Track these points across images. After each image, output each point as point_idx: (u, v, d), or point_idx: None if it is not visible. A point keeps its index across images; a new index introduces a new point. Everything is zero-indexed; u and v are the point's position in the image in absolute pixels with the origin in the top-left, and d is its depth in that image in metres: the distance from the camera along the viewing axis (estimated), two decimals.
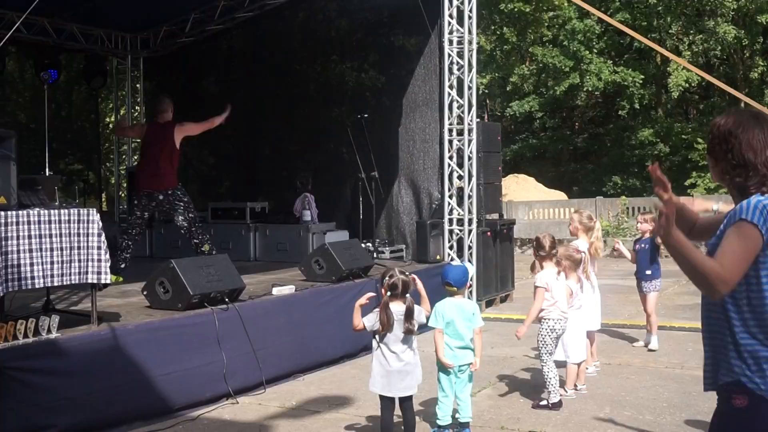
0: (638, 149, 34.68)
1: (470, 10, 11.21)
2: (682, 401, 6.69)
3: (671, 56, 21.24)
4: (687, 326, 9.53)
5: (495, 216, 12.63)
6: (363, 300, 5.45)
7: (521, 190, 26.10)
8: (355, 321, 5.46)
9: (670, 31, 32.21)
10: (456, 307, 5.85)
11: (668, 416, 6.31)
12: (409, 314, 5.36)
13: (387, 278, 5.46)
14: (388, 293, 5.40)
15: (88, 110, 13.64)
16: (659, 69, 34.17)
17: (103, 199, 20.25)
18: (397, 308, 5.35)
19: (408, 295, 5.48)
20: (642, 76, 33.67)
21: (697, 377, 7.36)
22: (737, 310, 2.84)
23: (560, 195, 28.67)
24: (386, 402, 5.39)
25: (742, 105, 31.65)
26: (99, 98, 14.50)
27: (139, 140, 9.53)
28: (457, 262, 8.77)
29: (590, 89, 34.32)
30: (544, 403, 6.53)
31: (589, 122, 39.76)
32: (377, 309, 5.43)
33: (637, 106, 34.64)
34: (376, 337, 5.42)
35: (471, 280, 6.29)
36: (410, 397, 5.44)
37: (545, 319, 6.56)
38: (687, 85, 32.67)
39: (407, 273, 5.58)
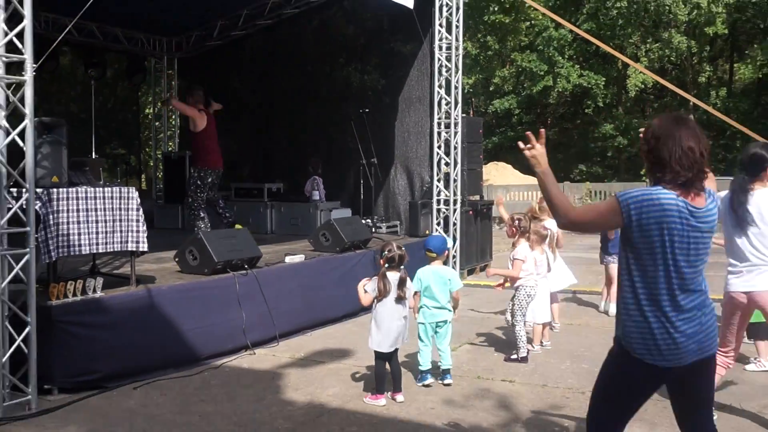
0: (601, 142, 34.65)
1: (457, 21, 11.19)
2: None
3: (630, 62, 21.22)
4: None
5: (476, 197, 12.65)
6: (361, 289, 5.54)
7: (500, 176, 26.12)
8: (363, 300, 5.55)
9: (630, 39, 32.05)
10: (433, 273, 5.88)
11: None
12: (402, 283, 5.49)
13: (386, 252, 5.52)
14: (386, 264, 5.48)
15: (130, 103, 13.58)
16: (620, 72, 34.00)
17: (143, 180, 20.30)
18: (393, 277, 5.45)
19: (403, 267, 5.56)
20: (604, 79, 33.57)
21: None
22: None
23: (532, 180, 28.68)
24: (381, 356, 5.44)
25: (691, 105, 31.64)
26: (139, 92, 14.50)
27: (191, 122, 9.38)
28: (437, 233, 8.75)
29: (561, 90, 34.22)
30: (514, 357, 6.56)
31: (559, 118, 39.62)
32: (376, 277, 5.51)
33: (600, 104, 34.52)
34: (375, 301, 5.48)
35: (452, 250, 6.28)
36: (396, 351, 5.51)
37: (522, 286, 6.58)
38: (643, 86, 32.58)
39: (402, 247, 5.63)
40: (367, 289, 5.50)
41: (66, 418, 5.12)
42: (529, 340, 6.93)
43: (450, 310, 5.90)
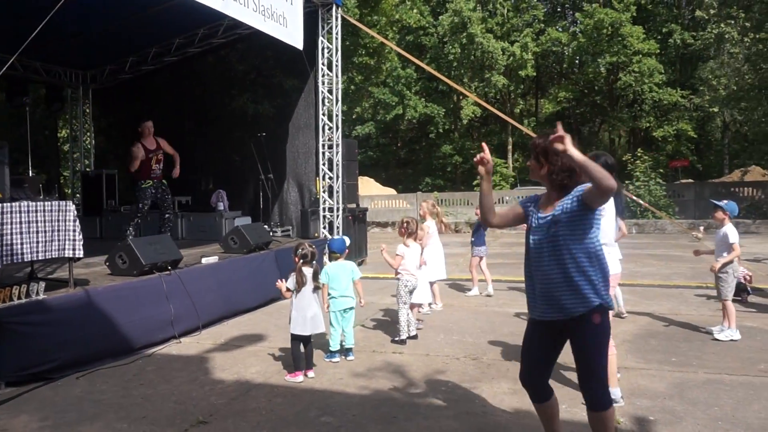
0: (442, 159, 35.90)
1: (337, 61, 11.27)
2: (489, 328, 7.03)
3: (467, 93, 21.99)
4: (496, 279, 9.97)
5: (353, 205, 12.75)
6: (282, 286, 5.44)
7: (365, 188, 26.39)
8: (284, 293, 5.45)
9: (463, 79, 33.37)
10: (338, 267, 5.90)
11: (482, 337, 6.61)
12: (315, 275, 5.46)
13: (300, 250, 5.45)
14: (301, 260, 5.42)
15: (49, 128, 12.60)
16: (455, 105, 35.39)
17: (56, 195, 18.88)
18: (307, 271, 5.40)
19: (314, 262, 5.51)
20: (444, 110, 34.84)
21: (497, 312, 7.84)
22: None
23: (391, 191, 29.21)
24: (297, 339, 5.36)
25: (509, 129, 33.30)
26: (57, 119, 13.52)
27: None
28: (338, 236, 8.74)
29: (409, 118, 35.14)
30: (396, 339, 6.47)
31: (408, 141, 40.64)
32: (294, 273, 5.43)
33: (441, 129, 35.80)
34: (294, 293, 5.40)
35: (348, 248, 6.26)
36: (310, 336, 5.44)
37: (401, 278, 6.57)
38: (473, 116, 34.09)
39: (313, 245, 5.59)
40: (287, 284, 5.41)
41: (17, 408, 4.71)
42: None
43: (353, 297, 5.92)
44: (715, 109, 29.23)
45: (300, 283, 5.34)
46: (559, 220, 3.22)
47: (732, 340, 6.20)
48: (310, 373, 5.39)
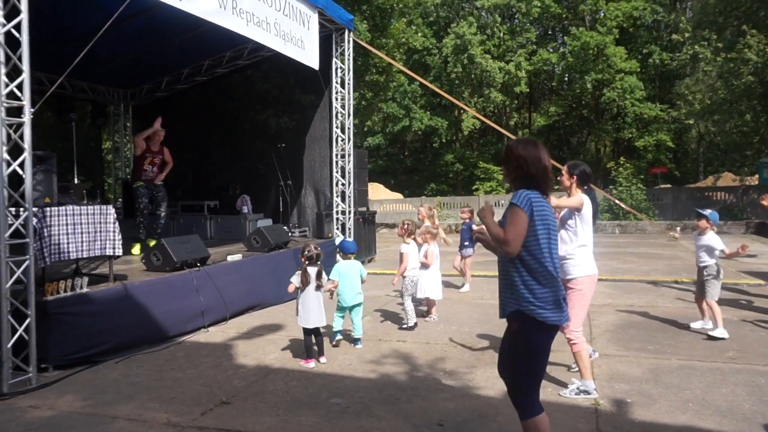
0: (444, 167, 35.79)
1: (349, 79, 11.27)
2: (484, 319, 7.01)
3: (466, 108, 21.96)
4: (481, 275, 9.96)
5: (364, 209, 12.73)
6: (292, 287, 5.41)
7: (375, 193, 26.37)
8: (289, 288, 5.43)
9: (463, 95, 33.29)
10: (349, 266, 5.90)
11: (477, 327, 6.61)
12: (319, 275, 5.39)
13: (306, 251, 5.42)
14: (306, 261, 5.39)
15: (94, 140, 12.65)
16: (456, 118, 35.30)
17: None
18: (312, 271, 5.35)
19: (319, 262, 5.47)
20: (446, 122, 34.75)
21: (491, 304, 7.80)
22: (518, 266, 2.90)
23: (398, 195, 29.19)
24: (308, 331, 5.34)
25: (506, 140, 33.13)
26: (101, 132, 13.63)
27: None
28: (350, 239, 8.73)
29: (415, 129, 35.09)
30: (404, 326, 6.57)
31: (414, 150, 40.59)
32: (299, 271, 5.39)
33: (444, 140, 35.72)
34: (299, 290, 5.38)
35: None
36: (318, 327, 5.39)
37: (407, 274, 6.61)
38: (472, 128, 33.99)
39: (318, 247, 5.56)
40: (292, 280, 5.39)
41: (62, 389, 4.76)
42: (420, 313, 7.00)
43: (361, 293, 5.92)
44: (691, 122, 28.95)
45: (304, 282, 5.30)
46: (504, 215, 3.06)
47: (723, 338, 5.84)
48: (323, 359, 5.40)
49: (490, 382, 4.70)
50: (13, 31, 4.75)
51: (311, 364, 5.28)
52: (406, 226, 6.67)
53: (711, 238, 6.17)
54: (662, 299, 8.08)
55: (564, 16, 36.60)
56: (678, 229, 12.99)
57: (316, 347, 5.40)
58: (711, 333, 5.95)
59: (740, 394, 4.38)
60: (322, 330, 5.49)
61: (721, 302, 6.29)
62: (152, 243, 8.05)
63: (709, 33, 22.99)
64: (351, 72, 11.32)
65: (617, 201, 17.83)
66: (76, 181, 7.08)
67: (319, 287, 5.38)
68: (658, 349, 5.63)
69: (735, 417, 3.97)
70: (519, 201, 2.85)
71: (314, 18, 9.77)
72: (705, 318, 6.28)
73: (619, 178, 22.30)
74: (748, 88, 21.21)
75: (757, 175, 23.88)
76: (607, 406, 4.20)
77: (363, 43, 12.95)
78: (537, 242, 2.88)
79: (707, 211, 6.32)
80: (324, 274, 5.51)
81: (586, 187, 4.69)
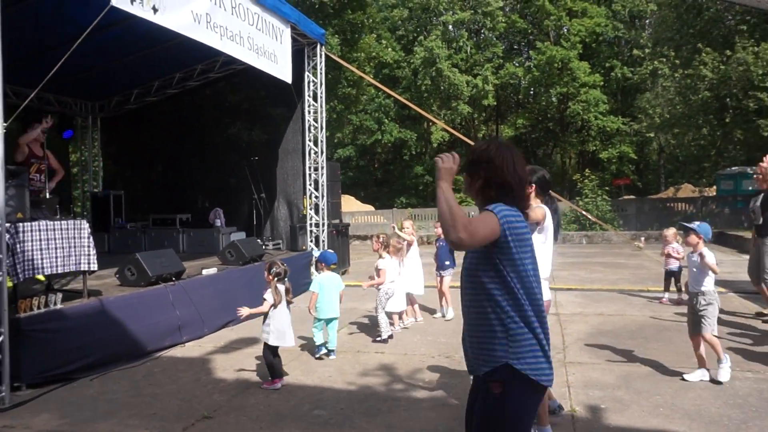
0: (414, 179, 36.03)
1: (321, 93, 11.34)
2: (460, 329, 7.08)
3: (435, 121, 22.18)
4: (456, 285, 9.98)
5: (337, 221, 12.77)
6: (252, 311, 5.16)
7: (346, 205, 26.16)
8: (261, 309, 5.16)
9: (433, 107, 33.68)
10: (328, 278, 5.92)
11: (453, 338, 6.63)
12: (288, 291, 5.23)
13: (274, 269, 5.18)
14: (275, 278, 5.15)
15: (60, 153, 12.33)
16: (426, 130, 35.71)
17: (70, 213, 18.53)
18: (281, 288, 5.17)
19: (286, 279, 5.25)
20: (416, 134, 35.11)
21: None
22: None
23: (370, 207, 29.25)
24: (272, 349, 5.10)
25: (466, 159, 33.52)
26: (68, 145, 13.38)
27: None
28: (330, 251, 8.71)
29: (386, 141, 35.31)
30: (378, 338, 6.55)
31: (384, 162, 40.78)
32: (269, 289, 5.15)
33: (413, 152, 36.04)
34: (270, 308, 5.13)
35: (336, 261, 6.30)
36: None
37: (381, 286, 6.62)
38: (441, 140, 34.40)
39: (284, 263, 5.33)
40: (266, 297, 5.16)
41: (37, 408, 4.67)
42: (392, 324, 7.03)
43: (337, 307, 5.95)
44: (652, 134, 29.92)
45: (277, 300, 5.10)
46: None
47: (732, 370, 4.97)
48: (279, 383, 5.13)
49: (467, 392, 4.77)
50: None
51: (278, 384, 5.03)
52: (381, 239, 6.72)
53: (708, 255, 4.94)
54: (630, 307, 8.31)
55: (529, 31, 37.49)
56: (642, 239, 13.37)
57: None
58: (719, 377, 4.89)
59: (707, 398, 4.56)
60: (301, 345, 5.46)
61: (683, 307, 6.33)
62: None
63: (667, 50, 23.85)
64: (323, 85, 11.39)
65: (584, 212, 18.25)
66: (48, 195, 6.92)
67: (289, 303, 5.21)
68: (629, 356, 5.80)
69: (703, 420, 4.14)
70: (495, 209, 2.24)
71: (287, 32, 9.83)
72: (706, 365, 5.01)
73: (584, 189, 22.82)
74: (705, 103, 22.04)
75: (714, 186, 24.74)
76: (582, 413, 4.33)
77: (335, 57, 13.06)
78: (524, 271, 2.25)
79: (695, 224, 5.19)
80: (290, 291, 5.29)
81: (546, 197, 4.05)
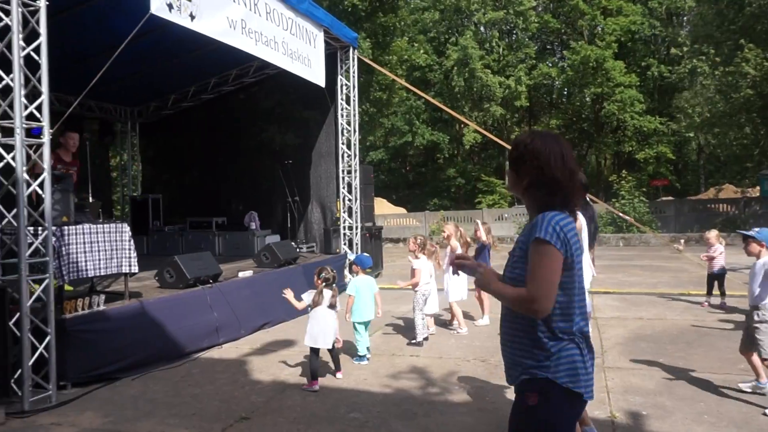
0: (446, 181, 35.86)
1: (354, 96, 11.40)
2: (495, 332, 7.00)
3: (467, 121, 22.07)
4: None
5: (370, 224, 12.79)
6: (289, 296, 5.31)
7: (378, 208, 26.21)
8: (296, 305, 5.33)
9: (465, 109, 33.51)
10: (364, 281, 5.96)
11: (488, 341, 6.57)
12: (334, 296, 5.34)
13: (323, 274, 5.34)
14: (323, 283, 5.30)
15: (100, 157, 12.69)
16: (458, 132, 35.52)
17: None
18: (327, 293, 5.28)
19: (334, 285, 5.41)
20: (448, 137, 34.97)
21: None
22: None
23: (402, 210, 29.25)
24: (314, 351, 5.22)
25: (506, 153, 33.24)
26: (108, 150, 13.76)
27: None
28: (365, 254, 8.73)
29: (417, 144, 35.27)
30: (414, 341, 6.55)
31: (416, 165, 40.73)
32: (312, 291, 5.31)
33: (446, 154, 35.91)
34: (310, 308, 5.29)
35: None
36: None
37: (417, 288, 6.61)
38: (474, 142, 34.17)
39: (334, 270, 5.49)
40: (303, 297, 5.29)
41: (82, 406, 4.80)
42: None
43: (373, 309, 5.96)
44: (691, 134, 29.19)
45: (316, 302, 5.22)
46: (514, 254, 2.22)
47: None
48: (339, 375, 5.41)
49: (506, 396, 4.73)
50: (33, 54, 4.85)
51: (316, 386, 5.09)
52: (419, 240, 6.72)
53: (766, 261, 4.51)
54: (670, 312, 8.11)
55: (563, 30, 36.97)
56: (682, 241, 13.03)
57: (332, 364, 5.42)
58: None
59: (753, 406, 4.41)
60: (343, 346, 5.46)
61: (730, 310, 6.19)
62: None
63: (707, 47, 23.23)
64: (356, 89, 11.45)
65: (621, 214, 17.90)
66: (90, 199, 7.11)
67: (332, 306, 5.30)
68: (670, 361, 5.66)
69: (751, 429, 4.01)
70: (548, 235, 2.02)
71: (320, 36, 9.92)
72: (762, 377, 4.63)
73: (621, 191, 22.38)
74: (747, 102, 21.38)
75: (758, 187, 23.97)
76: (623, 419, 4.24)
77: (367, 60, 13.11)
78: (572, 281, 2.10)
79: (754, 231, 4.75)
80: (336, 296, 5.42)
81: (582, 202, 3.96)
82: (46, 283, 4.82)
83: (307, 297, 5.33)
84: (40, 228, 4.92)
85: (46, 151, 4.88)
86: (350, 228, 11.36)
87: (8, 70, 4.69)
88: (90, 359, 5.29)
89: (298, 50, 9.21)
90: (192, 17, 6.62)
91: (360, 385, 5.19)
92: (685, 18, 34.36)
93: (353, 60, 11.33)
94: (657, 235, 18.80)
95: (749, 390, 4.68)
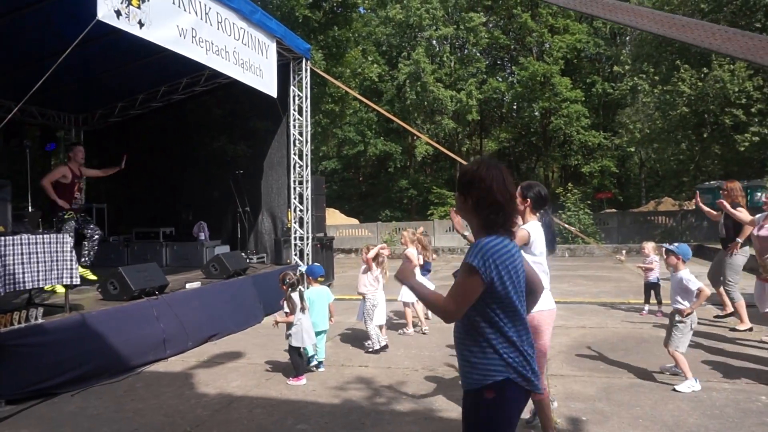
0: (398, 192, 36.18)
1: (307, 107, 11.41)
2: (442, 341, 7.11)
3: (419, 134, 22.30)
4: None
5: (321, 234, 12.78)
6: (280, 319, 5.69)
7: (330, 218, 26.24)
8: (289, 320, 5.62)
9: (417, 122, 33.90)
10: (318, 292, 6.01)
11: (437, 351, 6.69)
12: (301, 297, 5.65)
13: (287, 279, 5.63)
14: (289, 289, 5.60)
15: (42, 166, 12.23)
16: (410, 144, 35.90)
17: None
18: (295, 296, 5.60)
19: (300, 287, 5.70)
20: (400, 148, 35.28)
21: (451, 327, 7.93)
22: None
23: (354, 221, 29.27)
24: (295, 350, 5.60)
25: (458, 165, 33.77)
26: (51, 157, 13.28)
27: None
28: (316, 264, 8.72)
29: (370, 154, 35.44)
30: (370, 349, 6.60)
31: (368, 175, 40.89)
32: (285, 300, 5.62)
33: (398, 165, 36.20)
34: (296, 312, 5.58)
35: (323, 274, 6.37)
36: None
37: (367, 298, 6.67)
38: (426, 154, 34.59)
39: (296, 273, 5.75)
40: (287, 309, 5.61)
41: (17, 424, 4.60)
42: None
43: (326, 319, 6.06)
44: (633, 149, 30.37)
45: (292, 308, 5.54)
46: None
47: (693, 390, 5.03)
48: (292, 381, 5.53)
49: (452, 404, 4.81)
50: None
51: (302, 380, 5.48)
52: (415, 236, 7.14)
53: (683, 275, 5.26)
54: (611, 320, 8.41)
55: (512, 47, 38.00)
56: (624, 252, 13.56)
57: (293, 368, 5.63)
58: (677, 387, 5.09)
59: (685, 409, 4.63)
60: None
61: (666, 318, 6.48)
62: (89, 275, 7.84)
63: (646, 66, 24.32)
64: (308, 100, 11.46)
65: (566, 225, 18.45)
66: (30, 209, 6.86)
67: (304, 309, 5.60)
68: (609, 368, 5.87)
69: (681, 431, 4.20)
70: (476, 260, 2.25)
71: (272, 47, 9.90)
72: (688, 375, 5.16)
73: (567, 203, 23.08)
74: (683, 119, 22.46)
75: (693, 200, 25.11)
76: (564, 425, 4.37)
77: (320, 72, 13.14)
78: (506, 297, 2.32)
79: (674, 246, 5.41)
80: (304, 297, 5.69)
81: (542, 211, 4.12)
82: None
83: (287, 309, 5.63)
84: None
85: None
86: (301, 238, 11.31)
87: None
88: (27, 374, 5.08)
89: (250, 60, 9.16)
90: (141, 24, 6.51)
91: (308, 396, 5.17)
92: (627, 38, 35.88)
93: (306, 71, 11.36)
94: (600, 246, 19.46)
95: (668, 372, 5.55)
